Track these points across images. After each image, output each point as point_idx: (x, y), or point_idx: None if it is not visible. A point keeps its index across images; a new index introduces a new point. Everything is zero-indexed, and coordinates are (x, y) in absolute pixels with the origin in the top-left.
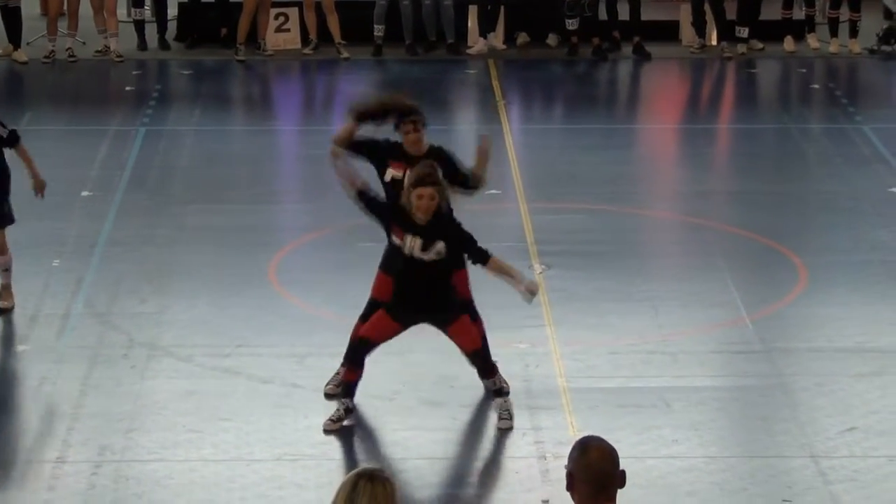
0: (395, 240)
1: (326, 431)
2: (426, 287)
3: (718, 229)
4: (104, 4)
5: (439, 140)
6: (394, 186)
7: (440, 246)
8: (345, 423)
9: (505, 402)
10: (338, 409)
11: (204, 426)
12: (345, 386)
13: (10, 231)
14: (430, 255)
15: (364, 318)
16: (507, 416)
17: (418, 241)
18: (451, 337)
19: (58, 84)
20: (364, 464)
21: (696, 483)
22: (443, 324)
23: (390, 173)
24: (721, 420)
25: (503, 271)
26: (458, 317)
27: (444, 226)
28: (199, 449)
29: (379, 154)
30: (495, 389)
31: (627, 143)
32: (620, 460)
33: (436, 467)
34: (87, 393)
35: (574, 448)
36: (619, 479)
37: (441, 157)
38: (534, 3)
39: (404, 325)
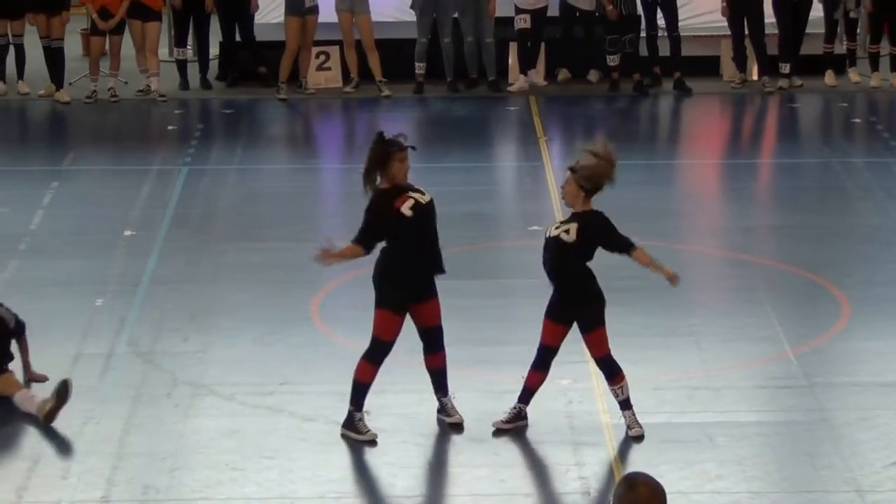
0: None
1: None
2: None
3: (761, 264)
4: (146, 44)
5: (481, 176)
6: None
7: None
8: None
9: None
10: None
11: (247, 464)
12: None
13: (54, 270)
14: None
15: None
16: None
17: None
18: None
19: (100, 124)
20: (407, 501)
21: None
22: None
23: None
24: (765, 455)
25: None
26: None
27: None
28: (242, 487)
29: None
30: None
31: (669, 178)
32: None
33: (480, 503)
34: (131, 432)
35: (619, 485)
36: None
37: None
38: (574, 40)
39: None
